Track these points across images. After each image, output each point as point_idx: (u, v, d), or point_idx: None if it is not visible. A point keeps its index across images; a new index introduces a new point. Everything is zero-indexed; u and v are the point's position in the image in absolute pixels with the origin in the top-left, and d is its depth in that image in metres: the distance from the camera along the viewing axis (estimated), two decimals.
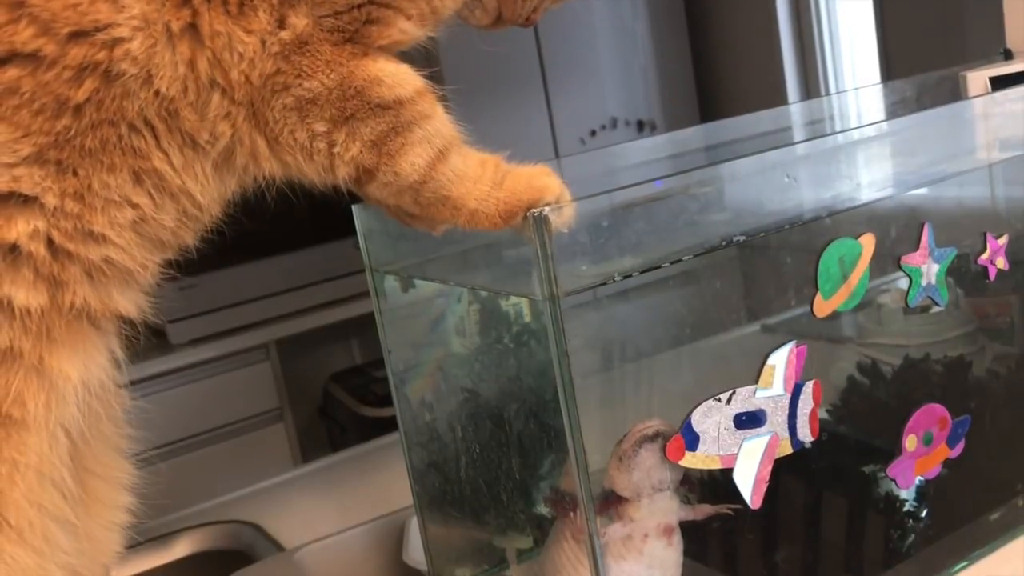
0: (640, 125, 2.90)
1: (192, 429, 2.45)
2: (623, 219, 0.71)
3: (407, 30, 0.69)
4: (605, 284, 0.69)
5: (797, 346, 0.75)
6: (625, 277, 0.70)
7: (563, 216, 0.68)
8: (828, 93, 2.62)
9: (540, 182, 0.69)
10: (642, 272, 0.71)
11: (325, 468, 1.52)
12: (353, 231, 0.88)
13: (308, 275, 2.62)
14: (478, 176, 0.69)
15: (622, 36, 2.86)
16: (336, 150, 0.68)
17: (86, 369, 0.71)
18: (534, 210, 0.67)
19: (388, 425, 2.39)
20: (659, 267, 0.72)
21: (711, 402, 0.72)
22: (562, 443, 0.70)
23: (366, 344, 2.96)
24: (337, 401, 2.64)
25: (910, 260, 0.83)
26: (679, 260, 0.72)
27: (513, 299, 0.87)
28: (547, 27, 2.67)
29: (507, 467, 0.84)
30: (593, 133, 2.83)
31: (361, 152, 0.68)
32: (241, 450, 2.53)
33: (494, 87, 2.55)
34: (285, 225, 2.00)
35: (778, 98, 2.69)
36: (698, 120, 2.97)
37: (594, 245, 0.70)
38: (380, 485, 1.33)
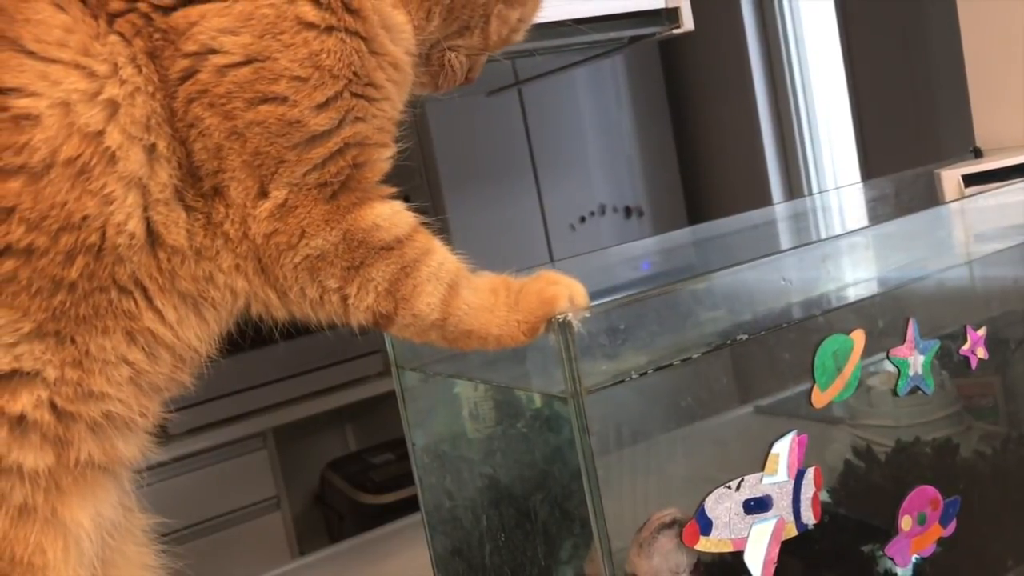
0: (627, 211, 2.99)
1: (189, 519, 2.44)
2: (637, 320, 0.78)
3: (388, 155, 0.73)
4: (623, 381, 0.75)
5: (798, 435, 0.81)
6: (641, 374, 0.76)
7: (579, 315, 0.73)
8: (810, 182, 2.72)
9: (550, 293, 0.73)
10: (656, 370, 0.77)
11: (327, 558, 1.49)
12: None
13: (303, 363, 2.64)
14: (492, 304, 0.72)
15: (608, 127, 2.97)
16: (350, 302, 0.70)
17: (97, 513, 0.72)
18: (557, 316, 0.72)
19: (386, 512, 2.39)
20: (671, 364, 0.78)
21: (722, 489, 0.77)
22: (584, 528, 0.75)
23: (361, 430, 2.98)
24: (335, 488, 2.65)
25: (897, 353, 0.89)
26: (688, 358, 0.79)
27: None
28: (536, 120, 2.78)
29: (532, 554, 0.88)
30: (583, 219, 2.92)
31: (376, 301, 0.70)
32: (238, 539, 2.53)
33: (488, 178, 2.63)
34: None
35: (760, 183, 2.79)
36: (683, 206, 3.06)
37: (612, 344, 0.76)
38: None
